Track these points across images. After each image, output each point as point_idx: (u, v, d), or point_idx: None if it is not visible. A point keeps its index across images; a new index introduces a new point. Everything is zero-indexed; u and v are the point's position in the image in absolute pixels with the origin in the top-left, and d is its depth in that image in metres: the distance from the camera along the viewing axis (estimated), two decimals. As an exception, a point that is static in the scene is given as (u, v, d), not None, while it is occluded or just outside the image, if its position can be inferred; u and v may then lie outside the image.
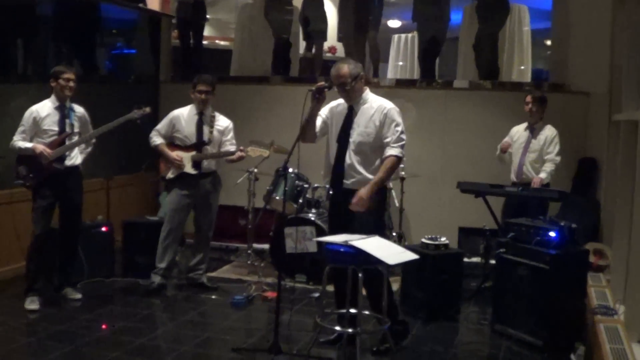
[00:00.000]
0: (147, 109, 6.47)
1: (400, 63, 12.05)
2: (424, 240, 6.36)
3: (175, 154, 6.66)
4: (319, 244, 5.27)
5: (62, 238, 6.40)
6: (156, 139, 6.75)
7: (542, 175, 6.88)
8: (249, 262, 7.78)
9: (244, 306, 6.41)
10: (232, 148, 6.75)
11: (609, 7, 7.08)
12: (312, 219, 6.99)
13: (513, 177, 7.18)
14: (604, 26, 7.29)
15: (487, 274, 6.95)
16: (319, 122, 5.30)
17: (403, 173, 7.64)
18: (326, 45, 11.36)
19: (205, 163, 6.72)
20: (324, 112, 5.32)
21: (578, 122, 7.98)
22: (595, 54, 7.79)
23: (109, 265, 7.19)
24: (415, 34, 11.82)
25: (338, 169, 5.27)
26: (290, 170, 7.08)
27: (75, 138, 6.24)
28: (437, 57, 9.09)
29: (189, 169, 6.67)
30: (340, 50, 12.41)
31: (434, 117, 8.51)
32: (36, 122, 6.08)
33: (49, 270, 6.42)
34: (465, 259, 7.06)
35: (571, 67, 8.50)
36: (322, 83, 5.11)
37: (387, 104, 5.22)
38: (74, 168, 6.29)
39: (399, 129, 5.15)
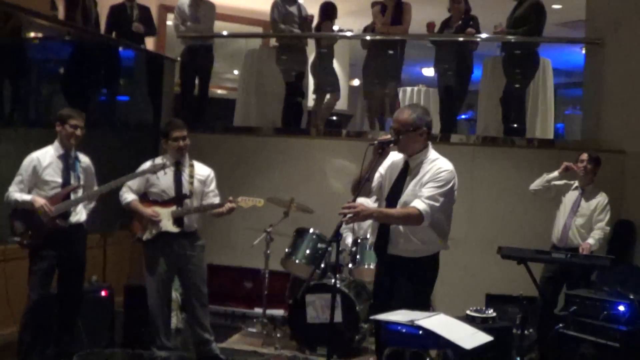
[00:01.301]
0: (168, 163, 5.75)
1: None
2: (469, 312, 5.72)
3: (152, 210, 5.81)
4: (378, 322, 4.50)
5: (61, 305, 5.65)
6: (127, 196, 5.88)
7: (591, 241, 6.30)
8: (264, 332, 6.93)
9: (264, 385, 5.69)
10: (217, 200, 5.93)
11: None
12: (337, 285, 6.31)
13: (554, 241, 6.59)
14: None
15: (526, 347, 6.26)
16: (376, 175, 4.68)
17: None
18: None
19: (186, 220, 5.90)
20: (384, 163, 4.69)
21: (613, 182, 7.36)
22: (631, 109, 7.45)
23: (109, 334, 6.42)
24: (421, 87, 11.49)
25: (383, 233, 4.62)
26: (311, 230, 6.49)
27: (80, 192, 5.54)
28: (458, 111, 8.61)
29: (169, 226, 5.79)
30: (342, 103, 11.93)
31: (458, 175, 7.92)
32: (36, 172, 5.39)
33: (44, 341, 5.64)
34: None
35: (604, 124, 8.06)
36: (388, 137, 4.48)
37: (445, 166, 4.57)
38: (79, 226, 5.58)
39: (441, 191, 4.47)
